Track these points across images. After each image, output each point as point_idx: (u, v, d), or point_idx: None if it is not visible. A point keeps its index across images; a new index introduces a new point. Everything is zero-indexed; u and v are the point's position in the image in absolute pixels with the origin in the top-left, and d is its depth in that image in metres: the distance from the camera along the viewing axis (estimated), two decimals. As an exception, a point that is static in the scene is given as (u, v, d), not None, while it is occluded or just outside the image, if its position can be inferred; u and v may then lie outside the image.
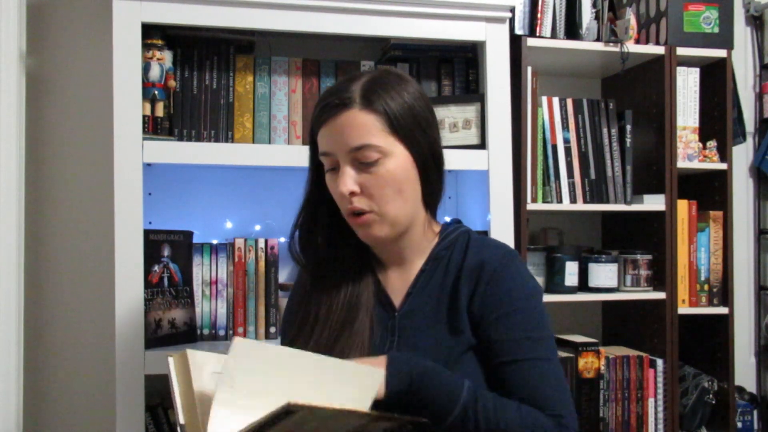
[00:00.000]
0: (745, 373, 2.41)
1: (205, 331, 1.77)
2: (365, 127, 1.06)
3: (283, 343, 1.24)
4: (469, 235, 1.20)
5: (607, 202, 2.07)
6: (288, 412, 0.83)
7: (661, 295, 2.06)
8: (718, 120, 2.16)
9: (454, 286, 1.14)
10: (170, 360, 0.94)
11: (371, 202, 1.08)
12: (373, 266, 1.20)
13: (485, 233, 1.81)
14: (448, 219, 1.29)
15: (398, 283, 1.19)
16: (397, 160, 1.08)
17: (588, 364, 1.98)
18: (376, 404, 1.00)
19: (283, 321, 1.28)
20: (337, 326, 1.14)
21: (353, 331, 1.12)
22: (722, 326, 2.12)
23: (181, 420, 0.90)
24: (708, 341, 2.18)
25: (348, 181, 1.07)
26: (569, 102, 2.06)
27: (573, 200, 2.04)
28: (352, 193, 1.07)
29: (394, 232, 1.12)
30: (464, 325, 1.11)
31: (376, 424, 0.95)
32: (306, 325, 1.17)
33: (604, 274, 2.06)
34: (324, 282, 1.18)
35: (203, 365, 0.94)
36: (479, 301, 1.11)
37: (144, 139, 1.61)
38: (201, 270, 1.77)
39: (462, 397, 1.02)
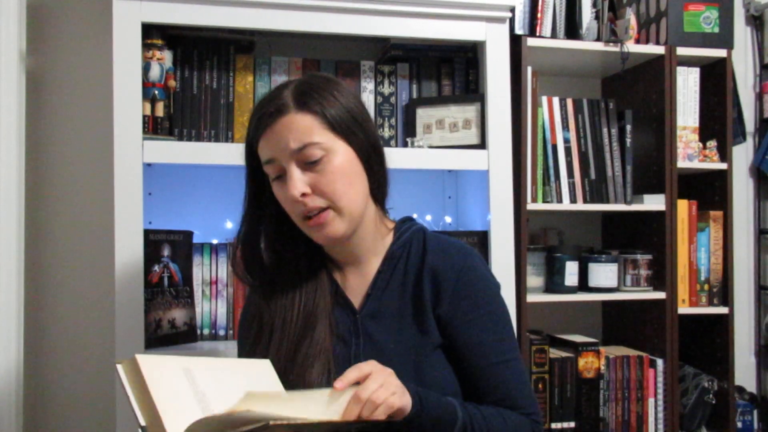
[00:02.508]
0: (745, 373, 2.41)
1: (205, 331, 1.77)
2: (304, 127, 1.07)
3: (240, 357, 1.23)
4: (424, 233, 1.20)
5: (607, 202, 2.07)
6: (267, 427, 0.86)
7: (661, 295, 2.06)
8: (718, 120, 2.16)
9: (416, 286, 1.15)
10: (119, 367, 0.95)
11: (324, 199, 1.08)
12: (328, 268, 1.20)
13: (485, 233, 1.81)
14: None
15: (356, 284, 1.18)
16: (341, 155, 1.09)
17: (588, 364, 1.98)
18: (379, 426, 0.99)
19: (239, 338, 1.26)
20: (294, 337, 1.13)
21: (314, 340, 1.12)
22: (722, 326, 2.12)
23: (142, 422, 0.90)
24: (708, 341, 2.18)
25: (297, 183, 1.06)
26: (569, 102, 2.06)
27: (573, 200, 2.04)
28: (304, 195, 1.07)
29: (351, 227, 1.12)
30: (430, 325, 1.12)
31: (347, 424, 0.97)
32: (262, 338, 1.16)
33: (604, 274, 2.06)
34: (277, 294, 1.17)
35: (156, 368, 0.95)
36: (447, 304, 1.12)
37: (144, 139, 1.61)
38: (201, 270, 1.77)
39: (459, 417, 1.04)
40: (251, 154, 1.14)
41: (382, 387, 0.95)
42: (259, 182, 1.15)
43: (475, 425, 1.04)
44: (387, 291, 1.16)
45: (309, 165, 1.07)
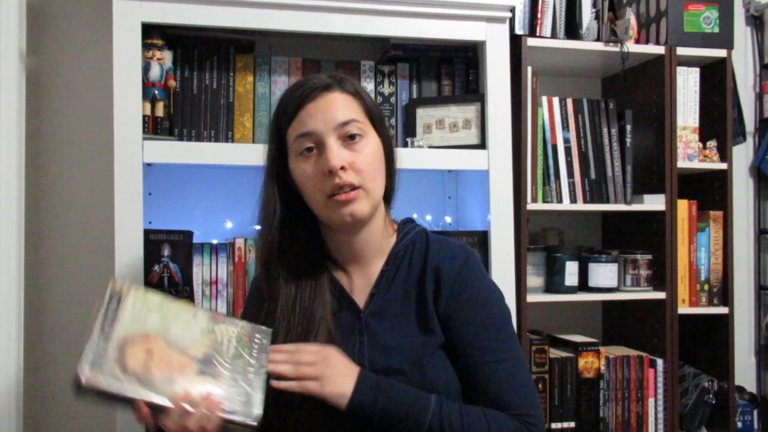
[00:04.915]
0: (745, 373, 2.41)
1: (205, 331, 1.77)
2: (350, 105, 1.12)
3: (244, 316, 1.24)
4: (426, 234, 1.21)
5: (607, 202, 2.07)
6: (116, 296, 0.97)
7: (661, 295, 2.06)
8: (718, 120, 2.16)
9: (419, 286, 1.16)
10: (110, 285, 1.01)
11: (359, 177, 1.10)
12: (330, 270, 1.20)
13: (485, 233, 1.81)
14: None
15: (359, 284, 1.19)
16: (374, 142, 1.14)
17: (588, 364, 1.98)
18: (338, 412, 1.03)
19: (246, 304, 1.28)
20: (296, 339, 1.12)
21: (316, 341, 1.12)
22: (722, 326, 2.12)
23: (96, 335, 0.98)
24: (708, 341, 2.18)
25: (338, 155, 1.09)
26: (569, 102, 2.06)
27: (573, 200, 2.04)
28: (342, 168, 1.08)
29: (372, 212, 1.14)
30: (434, 324, 1.13)
31: (222, 327, 1.03)
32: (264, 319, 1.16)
33: (604, 274, 2.06)
34: (279, 294, 1.16)
35: (143, 302, 1.02)
36: (445, 304, 1.14)
37: (144, 139, 1.61)
38: (201, 270, 1.77)
39: (430, 411, 1.05)
40: (279, 136, 1.16)
41: (310, 366, 1.01)
42: (282, 165, 1.17)
43: (447, 422, 1.04)
44: (391, 290, 1.17)
45: (349, 142, 1.10)
